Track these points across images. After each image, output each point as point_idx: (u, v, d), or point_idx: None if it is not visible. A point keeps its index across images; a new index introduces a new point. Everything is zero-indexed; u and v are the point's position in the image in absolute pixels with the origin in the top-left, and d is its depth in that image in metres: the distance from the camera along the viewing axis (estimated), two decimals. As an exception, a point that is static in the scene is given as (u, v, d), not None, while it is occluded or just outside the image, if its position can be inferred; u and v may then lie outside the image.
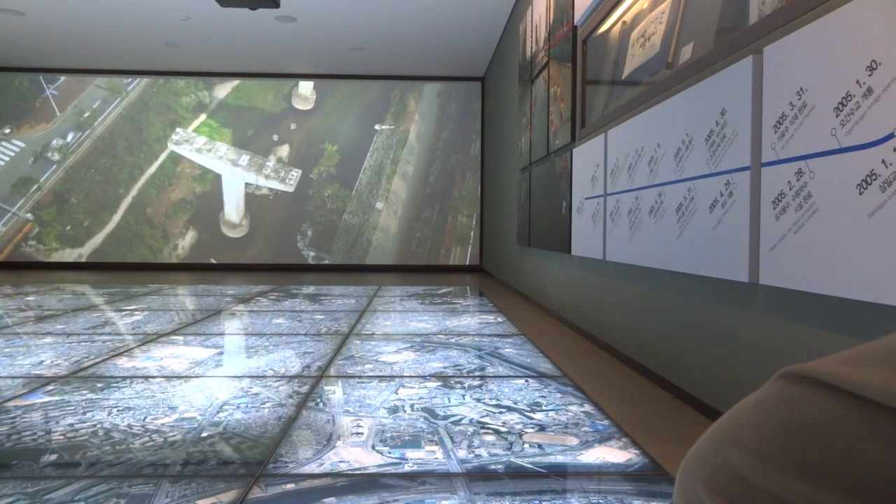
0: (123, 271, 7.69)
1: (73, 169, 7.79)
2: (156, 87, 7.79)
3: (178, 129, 7.82)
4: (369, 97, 7.73)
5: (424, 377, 2.15)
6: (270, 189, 7.87)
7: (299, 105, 7.75)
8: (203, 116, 7.82)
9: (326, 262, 7.92)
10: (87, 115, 7.80)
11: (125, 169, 7.86)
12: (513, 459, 1.38)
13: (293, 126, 7.70)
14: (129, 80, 7.83)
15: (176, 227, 7.88)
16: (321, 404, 1.81)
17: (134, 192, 7.81)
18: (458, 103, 7.88)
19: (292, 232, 7.87)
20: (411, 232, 7.83)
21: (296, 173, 7.84)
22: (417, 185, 7.80)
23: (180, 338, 2.91)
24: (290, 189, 7.86)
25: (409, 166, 7.74)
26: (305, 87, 7.73)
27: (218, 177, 7.86)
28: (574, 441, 1.51)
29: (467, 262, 7.83)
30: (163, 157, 7.82)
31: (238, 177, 7.87)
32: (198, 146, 7.86)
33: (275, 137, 7.74)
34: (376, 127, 7.67)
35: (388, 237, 7.85)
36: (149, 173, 7.81)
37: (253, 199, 7.85)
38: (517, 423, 1.64)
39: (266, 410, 1.75)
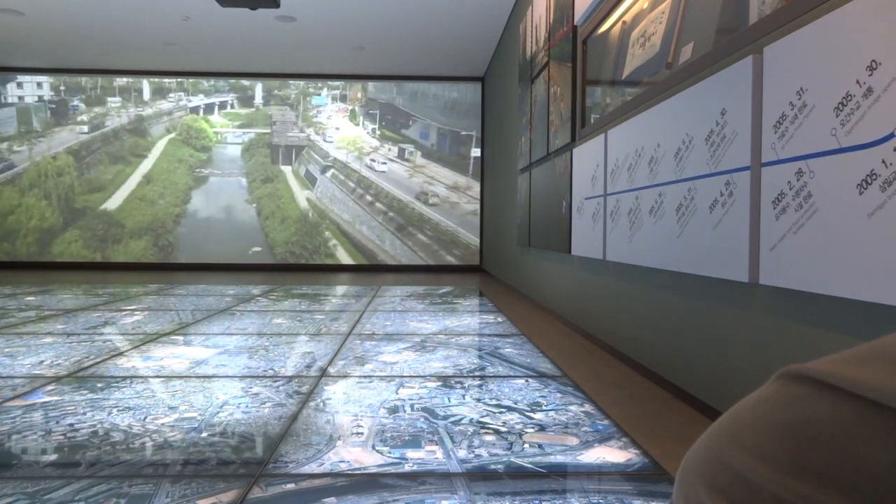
0: (120, 271, 7.70)
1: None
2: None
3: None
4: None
5: (424, 377, 2.15)
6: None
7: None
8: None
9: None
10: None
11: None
12: (513, 459, 1.38)
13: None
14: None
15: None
16: (321, 404, 1.81)
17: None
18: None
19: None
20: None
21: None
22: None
23: (180, 338, 2.91)
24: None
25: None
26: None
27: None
28: (574, 441, 1.51)
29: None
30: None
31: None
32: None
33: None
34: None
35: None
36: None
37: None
38: (517, 423, 1.64)
39: (266, 410, 1.75)
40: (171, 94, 8.26)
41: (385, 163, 8.30)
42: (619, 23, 2.61)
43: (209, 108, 8.34)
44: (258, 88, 8.30)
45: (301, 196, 8.35)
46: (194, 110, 8.32)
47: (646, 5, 2.34)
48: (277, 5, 4.90)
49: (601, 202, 2.67)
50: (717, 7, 1.77)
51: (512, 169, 5.43)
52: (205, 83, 8.25)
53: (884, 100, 1.04)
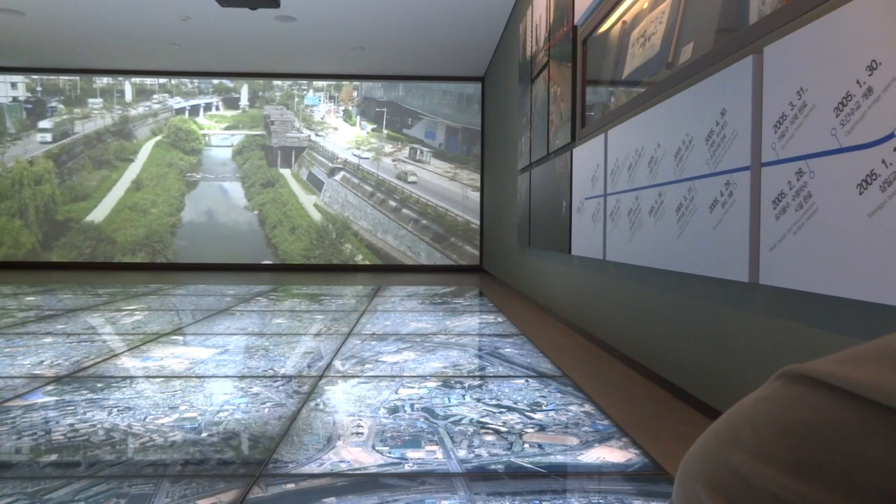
0: (114, 271, 7.69)
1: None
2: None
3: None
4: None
5: (424, 377, 2.15)
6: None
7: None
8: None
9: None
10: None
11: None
12: (513, 459, 1.38)
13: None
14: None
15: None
16: (321, 404, 1.81)
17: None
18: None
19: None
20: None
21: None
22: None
23: (180, 338, 2.91)
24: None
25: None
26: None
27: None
28: (574, 441, 1.51)
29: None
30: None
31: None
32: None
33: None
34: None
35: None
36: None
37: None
38: (517, 423, 1.64)
39: (266, 410, 1.75)
40: (155, 95, 7.82)
41: (369, 152, 7.83)
42: (619, 23, 2.61)
43: (199, 109, 7.95)
44: (244, 90, 7.91)
45: (307, 202, 7.82)
46: (183, 111, 7.88)
47: (646, 5, 2.34)
48: (277, 5, 4.91)
49: (601, 202, 2.67)
50: (717, 7, 1.77)
51: (512, 169, 5.43)
52: (188, 84, 7.93)
53: (884, 100, 1.04)
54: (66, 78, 7.87)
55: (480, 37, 6.38)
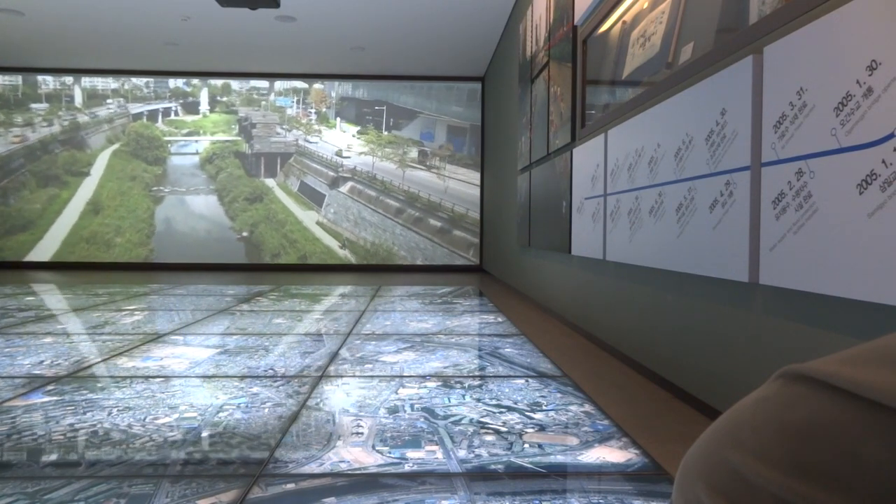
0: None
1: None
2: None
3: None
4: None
5: (424, 377, 2.15)
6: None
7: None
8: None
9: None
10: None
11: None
12: (513, 459, 1.38)
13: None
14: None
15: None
16: (321, 404, 1.81)
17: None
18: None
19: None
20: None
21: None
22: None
23: (180, 338, 2.90)
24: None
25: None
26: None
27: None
28: (574, 441, 1.51)
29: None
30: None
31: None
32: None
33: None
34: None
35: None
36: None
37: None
38: (517, 423, 1.64)
39: (266, 410, 1.75)
40: (109, 100, 6.74)
41: (389, 160, 6.90)
42: (619, 23, 2.61)
43: (157, 114, 6.93)
44: (203, 94, 7.02)
45: (306, 219, 6.51)
46: (140, 116, 6.83)
47: (646, 5, 2.34)
48: (277, 5, 4.91)
49: (601, 202, 2.67)
50: (717, 7, 1.77)
51: (512, 169, 5.42)
52: (144, 88, 7.19)
53: (884, 100, 1.04)
54: (7, 80, 6.89)
55: (480, 37, 6.38)
